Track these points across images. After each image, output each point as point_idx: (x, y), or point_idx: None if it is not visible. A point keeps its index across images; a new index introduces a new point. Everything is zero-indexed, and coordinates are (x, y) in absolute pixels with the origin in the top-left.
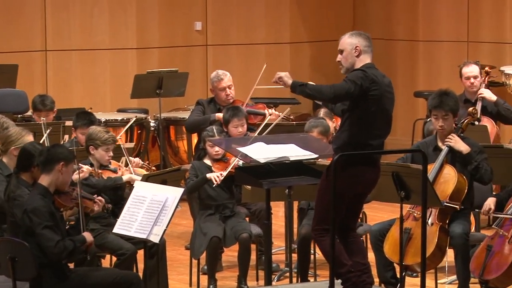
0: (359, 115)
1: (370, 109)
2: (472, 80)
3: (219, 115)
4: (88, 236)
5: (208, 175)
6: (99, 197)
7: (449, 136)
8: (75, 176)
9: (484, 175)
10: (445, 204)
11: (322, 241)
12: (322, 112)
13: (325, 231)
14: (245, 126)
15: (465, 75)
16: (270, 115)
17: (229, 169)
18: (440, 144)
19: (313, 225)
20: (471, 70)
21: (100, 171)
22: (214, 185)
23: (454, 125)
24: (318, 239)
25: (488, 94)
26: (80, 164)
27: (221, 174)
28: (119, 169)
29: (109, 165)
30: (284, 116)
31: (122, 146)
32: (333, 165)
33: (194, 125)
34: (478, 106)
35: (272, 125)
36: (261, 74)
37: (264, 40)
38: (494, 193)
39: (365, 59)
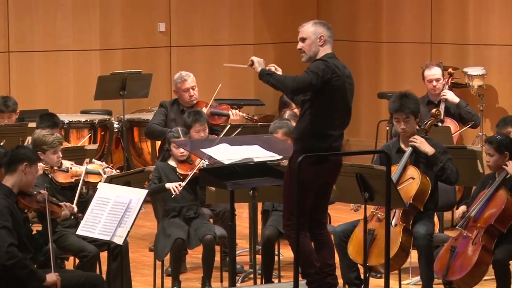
0: (320, 105)
1: (330, 100)
2: (434, 83)
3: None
4: (50, 277)
5: (167, 185)
6: (67, 203)
7: (414, 137)
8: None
9: (451, 175)
10: (409, 203)
11: (293, 239)
12: (287, 113)
13: (294, 228)
14: (207, 130)
15: (427, 77)
16: (233, 115)
17: (194, 171)
18: (403, 146)
19: (284, 222)
20: (433, 72)
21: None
22: (173, 196)
23: (417, 126)
24: (290, 236)
25: (451, 96)
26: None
27: (179, 185)
28: (71, 168)
29: (61, 166)
30: (247, 117)
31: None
32: (297, 166)
33: (152, 134)
34: (441, 107)
35: (237, 130)
36: (216, 93)
37: (228, 41)
38: (457, 194)
39: (327, 49)
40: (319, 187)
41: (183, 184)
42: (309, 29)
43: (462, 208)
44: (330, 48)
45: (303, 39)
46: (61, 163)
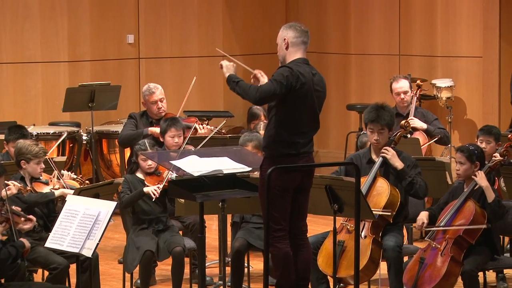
0: (284, 113)
1: (295, 107)
2: (402, 95)
3: (152, 129)
4: (25, 241)
5: (146, 189)
6: (30, 216)
7: (385, 149)
8: (3, 193)
9: (419, 190)
10: (379, 214)
11: (276, 248)
12: (262, 125)
13: (279, 237)
14: (182, 137)
15: (395, 90)
16: (201, 129)
17: (164, 182)
18: (374, 156)
19: (270, 231)
20: (401, 85)
21: (29, 187)
22: (153, 199)
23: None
24: (274, 245)
25: (419, 124)
26: (9, 182)
27: (158, 187)
28: (51, 181)
29: (41, 178)
30: (216, 130)
31: (49, 160)
32: (267, 178)
33: (128, 139)
34: (410, 118)
35: (206, 139)
36: (191, 87)
37: (197, 53)
38: (426, 205)
39: (295, 52)
40: (295, 192)
41: (161, 186)
42: (278, 34)
43: (423, 215)
44: (301, 52)
45: (277, 45)
46: (42, 174)
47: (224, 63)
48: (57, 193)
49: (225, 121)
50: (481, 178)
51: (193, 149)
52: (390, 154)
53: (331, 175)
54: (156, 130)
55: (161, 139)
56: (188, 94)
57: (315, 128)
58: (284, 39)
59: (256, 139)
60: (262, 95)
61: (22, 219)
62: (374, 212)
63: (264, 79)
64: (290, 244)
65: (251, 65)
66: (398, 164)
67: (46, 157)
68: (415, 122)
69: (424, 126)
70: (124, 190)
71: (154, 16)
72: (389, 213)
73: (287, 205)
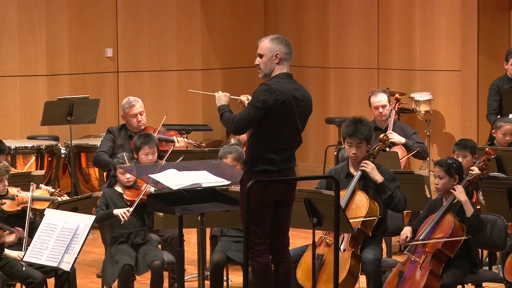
0: (263, 131)
1: (274, 125)
2: (380, 109)
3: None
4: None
5: (115, 212)
6: (16, 228)
7: (365, 162)
8: None
9: (399, 204)
10: (363, 221)
11: (256, 262)
12: (232, 140)
13: (259, 251)
14: (156, 154)
15: (373, 104)
16: (178, 142)
17: (140, 196)
18: (352, 170)
19: (250, 245)
20: (379, 99)
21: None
22: (122, 222)
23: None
24: (254, 259)
25: (397, 138)
26: None
27: (127, 210)
28: (17, 196)
29: (6, 194)
30: (195, 144)
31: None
32: (246, 191)
33: (99, 163)
34: (389, 132)
35: (181, 157)
36: (162, 123)
37: (176, 66)
38: (405, 219)
39: (283, 68)
40: (276, 206)
41: (131, 209)
42: (266, 45)
43: (407, 229)
44: (287, 66)
45: (260, 55)
46: (7, 190)
47: (217, 94)
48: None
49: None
50: (460, 193)
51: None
52: (370, 167)
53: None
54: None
55: (135, 156)
56: (160, 126)
57: (297, 144)
58: (276, 54)
59: (236, 151)
60: (237, 125)
61: (6, 232)
62: (359, 220)
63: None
64: (272, 258)
65: (231, 77)
66: (378, 177)
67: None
68: (393, 136)
69: (403, 140)
70: (100, 205)
71: (132, 29)
72: (374, 218)
73: (267, 219)
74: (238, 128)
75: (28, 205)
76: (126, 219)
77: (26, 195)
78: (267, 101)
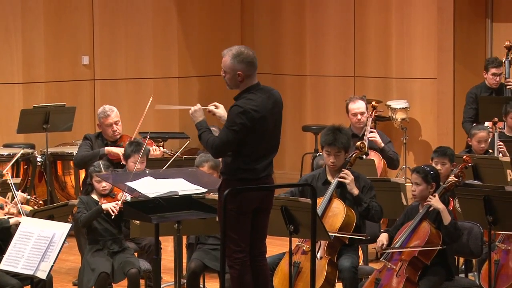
0: (240, 143)
1: (252, 138)
2: (358, 116)
3: (108, 148)
4: None
5: (104, 206)
6: None
7: (345, 173)
8: None
9: (375, 215)
10: (334, 235)
11: (235, 270)
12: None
13: (239, 259)
14: (144, 164)
15: (351, 111)
16: (153, 151)
17: (122, 198)
18: (330, 178)
19: (228, 253)
20: (358, 106)
21: None
22: (112, 217)
23: None
24: (233, 267)
25: (379, 140)
26: None
27: (117, 204)
28: (6, 205)
29: None
30: (170, 153)
31: (9, 181)
32: (223, 199)
33: (83, 160)
34: (365, 140)
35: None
36: (148, 107)
37: (153, 74)
38: (382, 226)
39: (250, 80)
40: (254, 213)
41: (119, 203)
42: (227, 63)
43: (383, 236)
44: (253, 78)
45: (224, 71)
46: None
47: (191, 110)
48: (12, 221)
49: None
50: (436, 201)
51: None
52: (349, 179)
53: (286, 195)
54: (113, 149)
55: (124, 162)
56: (144, 114)
57: (275, 149)
58: (238, 74)
59: (212, 159)
60: (217, 150)
61: None
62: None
63: (219, 110)
64: (250, 264)
65: (207, 85)
66: (355, 190)
67: (6, 178)
68: (377, 137)
69: (382, 144)
70: (81, 209)
71: (109, 37)
72: (363, 237)
73: (247, 227)
74: (218, 152)
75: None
76: (116, 213)
77: (13, 205)
78: (244, 124)
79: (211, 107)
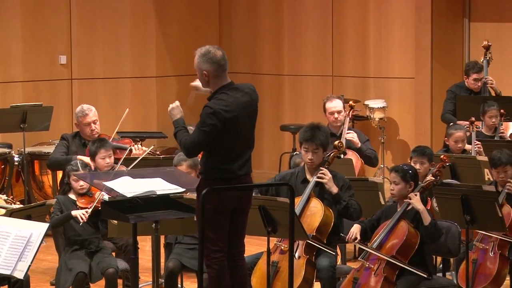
0: (215, 143)
1: (226, 137)
2: (336, 115)
3: (81, 157)
4: None
5: (74, 213)
6: None
7: (323, 172)
8: None
9: (354, 214)
10: (312, 236)
11: (213, 269)
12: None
13: (217, 259)
14: (113, 157)
15: (329, 110)
16: (136, 150)
17: (94, 204)
18: (308, 176)
19: (206, 253)
20: (335, 105)
21: None
22: (81, 223)
23: None
24: (211, 267)
25: (357, 139)
26: None
27: (86, 211)
28: None
29: None
30: (150, 151)
31: None
32: (201, 199)
33: (56, 163)
34: (343, 139)
35: (137, 159)
36: (123, 118)
37: (130, 74)
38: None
39: (219, 81)
40: (232, 213)
41: (89, 211)
42: (195, 62)
43: (356, 228)
44: (223, 78)
45: (196, 70)
46: None
47: (171, 106)
48: None
49: (153, 146)
50: (416, 201)
51: (126, 170)
52: (327, 178)
53: (265, 196)
54: (84, 158)
55: (92, 162)
56: (119, 124)
57: (250, 146)
58: (204, 73)
59: (191, 159)
60: (188, 150)
61: None
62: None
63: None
64: (228, 266)
65: (186, 85)
66: (334, 188)
67: None
68: (354, 137)
69: (359, 144)
70: (55, 211)
71: (86, 36)
72: (332, 251)
73: (225, 227)
74: (189, 152)
75: None
76: (85, 220)
77: None
78: (214, 125)
79: (196, 83)
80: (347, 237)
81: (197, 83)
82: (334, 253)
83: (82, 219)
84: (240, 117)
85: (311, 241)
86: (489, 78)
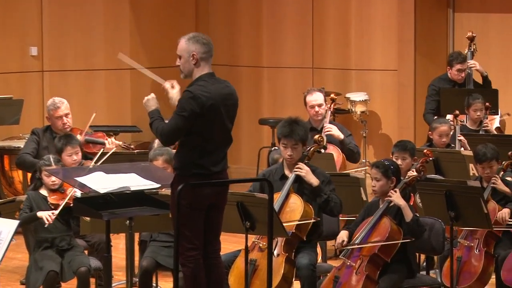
0: (192, 135)
1: (203, 128)
2: (316, 108)
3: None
4: None
5: (39, 214)
6: None
7: (299, 166)
8: None
9: (334, 208)
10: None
11: (188, 268)
12: (156, 143)
13: (192, 257)
14: (80, 154)
15: (309, 103)
16: (109, 143)
17: (64, 202)
18: (287, 172)
19: (181, 251)
20: (315, 98)
21: None
22: (46, 225)
23: None
24: (186, 265)
25: (336, 132)
26: None
27: (52, 213)
28: None
29: None
30: (124, 145)
31: None
32: (176, 196)
33: (23, 166)
34: (324, 133)
35: (108, 153)
36: (91, 121)
37: (104, 66)
38: (340, 222)
39: (203, 68)
40: (208, 210)
41: (56, 212)
42: (182, 46)
43: (343, 233)
44: (207, 66)
45: (179, 57)
46: None
47: (145, 99)
48: None
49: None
50: (397, 197)
51: (92, 164)
52: (305, 171)
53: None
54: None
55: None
56: (89, 123)
57: (228, 142)
58: (193, 55)
59: (167, 153)
60: (166, 137)
61: None
62: (293, 223)
63: (173, 91)
64: (203, 264)
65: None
66: (314, 180)
67: None
68: (332, 130)
69: (341, 136)
70: (24, 208)
71: (58, 27)
72: (310, 221)
73: (200, 224)
74: (167, 140)
75: None
76: (50, 222)
77: None
78: (193, 110)
79: (167, 85)
80: (335, 244)
81: (169, 86)
82: (314, 251)
83: (47, 221)
84: (219, 108)
85: (290, 238)
86: (471, 62)
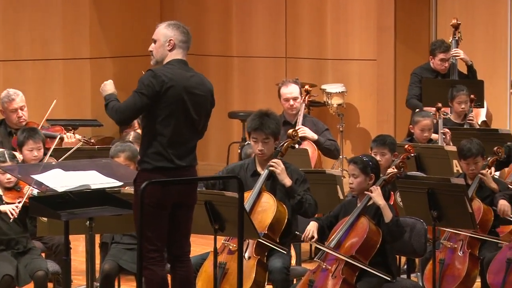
0: (155, 122)
1: (167, 115)
2: (291, 102)
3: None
4: None
5: (2, 208)
6: None
7: (274, 162)
8: None
9: (308, 209)
10: (264, 234)
11: (151, 271)
12: (131, 135)
13: (153, 259)
14: (42, 150)
15: (283, 96)
16: (68, 138)
17: (24, 198)
18: (259, 169)
19: (143, 252)
20: (290, 90)
21: None
22: (11, 220)
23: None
24: (148, 268)
25: (310, 134)
26: None
27: (16, 206)
28: None
29: None
30: (84, 139)
31: None
32: (140, 194)
33: None
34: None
35: (71, 150)
36: (48, 113)
37: (62, 55)
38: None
39: (177, 54)
40: (174, 209)
41: (20, 205)
42: (161, 31)
43: (312, 226)
44: (181, 54)
45: (154, 41)
46: None
47: (103, 84)
48: None
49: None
50: (377, 195)
51: (56, 162)
52: (280, 169)
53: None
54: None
55: (19, 152)
56: (46, 116)
57: (195, 137)
58: (170, 40)
59: (129, 149)
60: (122, 115)
61: None
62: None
63: (107, 82)
64: (170, 267)
65: (123, 67)
66: (287, 180)
67: None
68: (305, 131)
69: (315, 136)
70: None
71: (12, 15)
72: (285, 251)
73: (163, 224)
74: (122, 118)
75: None
76: (15, 216)
77: None
78: (152, 87)
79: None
80: (303, 235)
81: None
82: (287, 253)
83: (12, 215)
84: (181, 94)
85: (262, 240)
86: (456, 50)
